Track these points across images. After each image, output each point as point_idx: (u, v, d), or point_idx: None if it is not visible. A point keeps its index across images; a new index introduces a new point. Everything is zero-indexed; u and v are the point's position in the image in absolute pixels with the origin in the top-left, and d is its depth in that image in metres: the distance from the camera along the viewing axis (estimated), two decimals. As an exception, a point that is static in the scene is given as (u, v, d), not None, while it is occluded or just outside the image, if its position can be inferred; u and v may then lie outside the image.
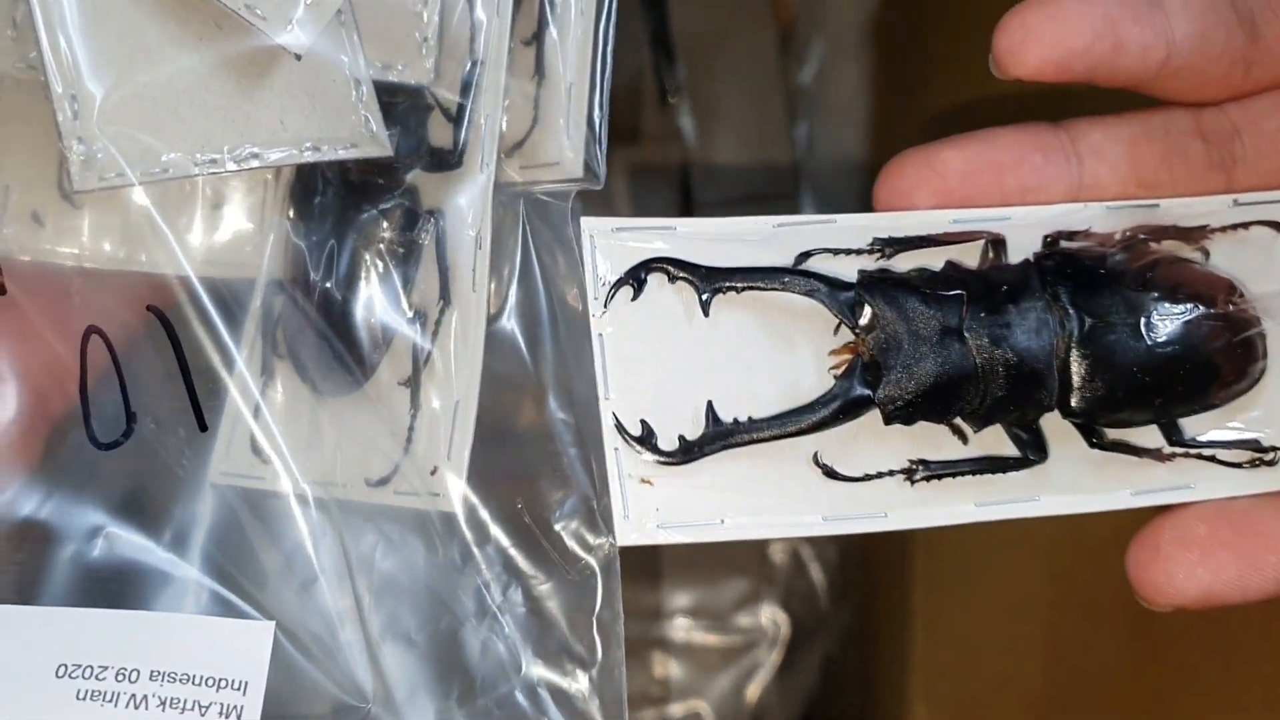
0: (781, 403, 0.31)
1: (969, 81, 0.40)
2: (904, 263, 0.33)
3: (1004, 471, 0.32)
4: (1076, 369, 0.31)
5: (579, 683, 0.34)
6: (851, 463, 0.32)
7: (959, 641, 0.49)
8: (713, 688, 0.57)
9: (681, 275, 0.31)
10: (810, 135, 0.58)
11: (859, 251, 0.33)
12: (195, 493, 0.35)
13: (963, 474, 0.32)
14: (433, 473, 0.34)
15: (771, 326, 0.32)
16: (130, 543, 0.34)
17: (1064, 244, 0.33)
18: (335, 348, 0.35)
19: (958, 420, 0.32)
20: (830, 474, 0.31)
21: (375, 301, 0.35)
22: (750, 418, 0.31)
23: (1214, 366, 0.32)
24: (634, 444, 0.31)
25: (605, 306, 0.31)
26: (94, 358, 0.34)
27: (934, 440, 0.32)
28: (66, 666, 0.32)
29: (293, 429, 0.34)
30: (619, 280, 0.31)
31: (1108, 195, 0.34)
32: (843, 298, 0.31)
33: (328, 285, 0.35)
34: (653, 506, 0.30)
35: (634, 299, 0.31)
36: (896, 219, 0.33)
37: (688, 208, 0.58)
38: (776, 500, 0.31)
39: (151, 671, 0.32)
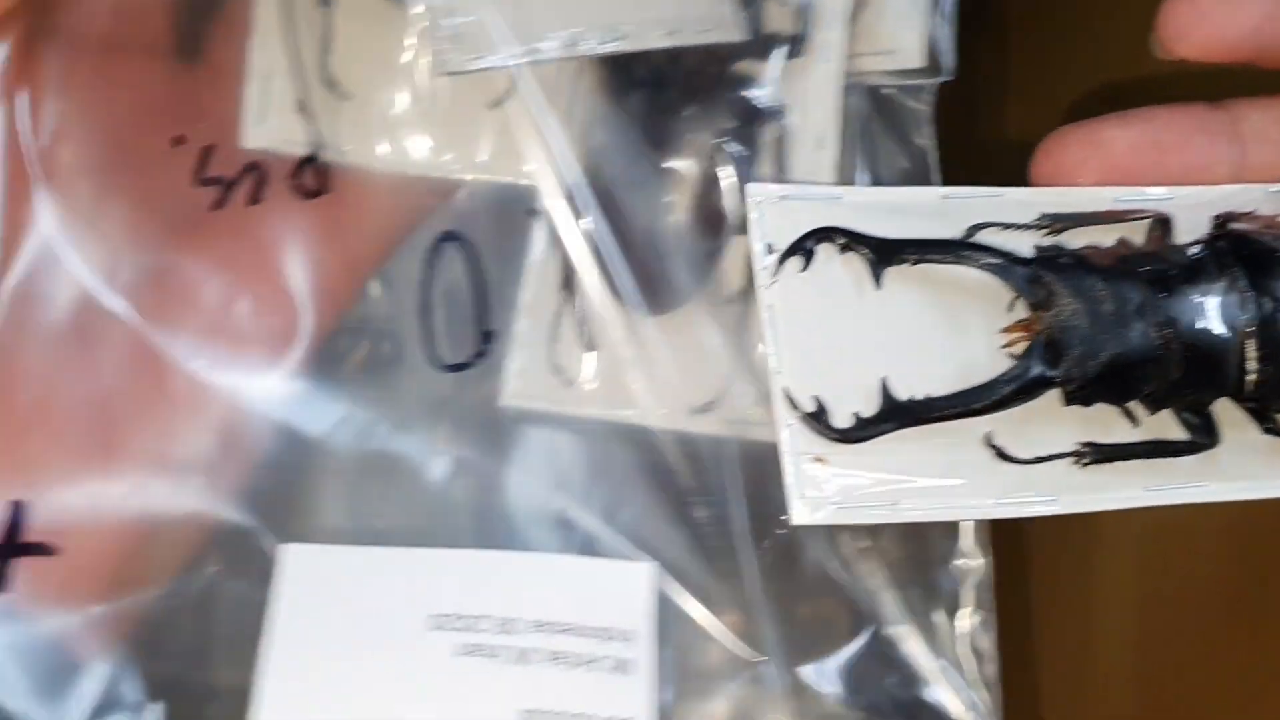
0: (954, 381, 0.30)
1: (1109, 60, 0.39)
2: (1073, 239, 0.32)
3: (1174, 456, 0.31)
4: (1254, 353, 0.30)
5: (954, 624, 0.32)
6: (1022, 445, 0.31)
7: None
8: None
9: (854, 246, 0.30)
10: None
11: (1028, 226, 0.31)
12: (541, 421, 0.32)
13: (1133, 458, 0.31)
14: (767, 399, 0.30)
15: (941, 302, 0.31)
16: (480, 475, 0.31)
17: (1232, 226, 0.32)
18: (648, 261, 0.32)
19: (1130, 403, 0.31)
20: (1003, 456, 0.30)
21: (701, 206, 0.32)
22: (928, 395, 0.30)
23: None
24: (808, 421, 0.29)
25: (775, 277, 0.30)
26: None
27: (1102, 423, 0.31)
28: (440, 617, 0.29)
29: (602, 350, 0.31)
30: (789, 249, 0.30)
31: (1269, 178, 0.33)
32: (1020, 273, 0.30)
33: (643, 188, 0.32)
34: (828, 486, 0.29)
35: (803, 270, 0.30)
36: (1062, 195, 0.32)
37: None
38: (950, 482, 0.30)
39: (533, 621, 0.29)
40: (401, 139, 0.33)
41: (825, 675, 0.32)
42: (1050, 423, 0.31)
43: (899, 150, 0.34)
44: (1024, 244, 0.31)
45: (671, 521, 0.32)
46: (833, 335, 0.30)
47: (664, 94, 0.32)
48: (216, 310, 0.32)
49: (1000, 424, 0.31)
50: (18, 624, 0.30)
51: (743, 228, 0.32)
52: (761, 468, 0.31)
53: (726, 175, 0.32)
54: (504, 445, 0.32)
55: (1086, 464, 0.31)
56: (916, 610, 0.33)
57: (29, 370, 0.31)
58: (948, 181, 0.34)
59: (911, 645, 0.33)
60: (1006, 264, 0.30)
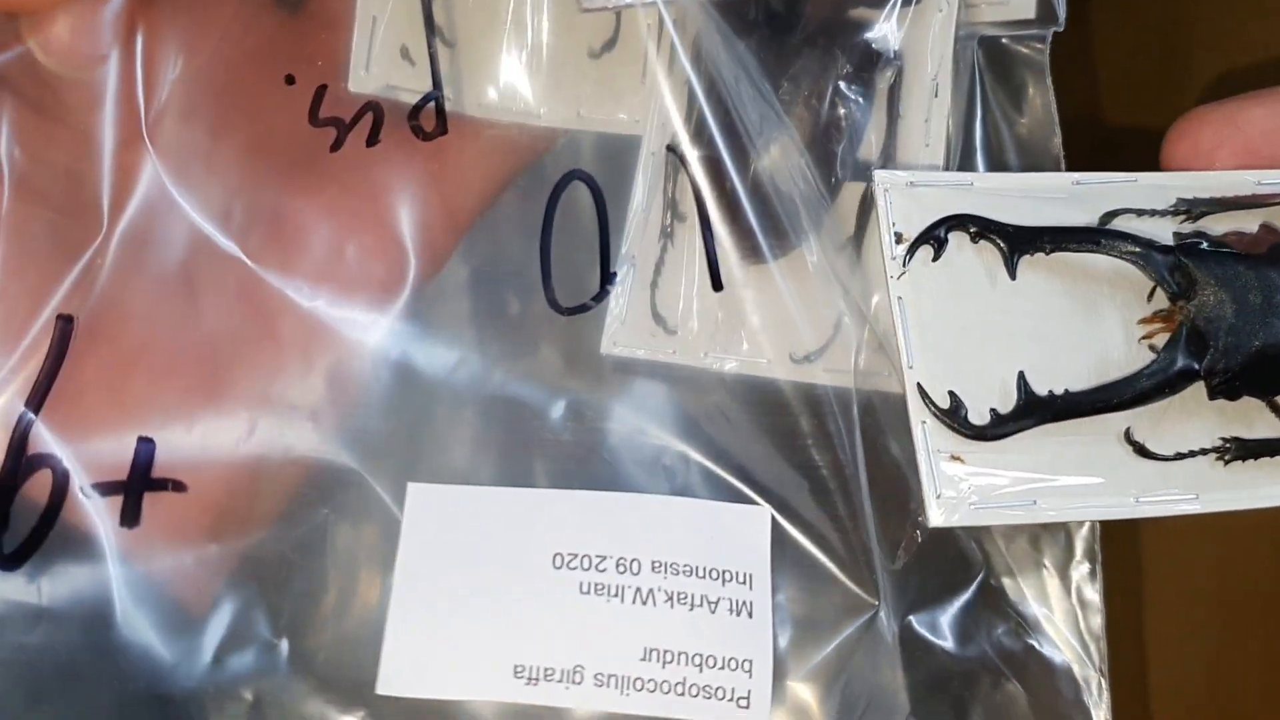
0: (1091, 375, 0.29)
1: (1227, 45, 0.37)
2: (1214, 225, 0.30)
3: (1327, 451, 0.30)
4: None
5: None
6: (1160, 440, 0.29)
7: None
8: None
9: (987, 234, 0.29)
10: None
11: (1164, 213, 0.30)
12: (648, 368, 0.32)
13: (1279, 453, 0.30)
14: (877, 349, 0.31)
15: (1076, 292, 0.30)
16: (593, 419, 0.32)
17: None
18: (758, 208, 0.31)
19: (1278, 397, 0.29)
20: (1142, 452, 0.29)
21: (813, 151, 0.31)
22: (1067, 390, 0.29)
23: None
24: (943, 416, 0.28)
25: (904, 267, 0.29)
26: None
27: (1245, 417, 0.30)
28: (564, 556, 0.30)
29: (702, 295, 0.31)
30: (919, 238, 0.29)
31: None
32: (1160, 261, 0.29)
33: (759, 132, 0.31)
34: (965, 485, 0.28)
35: (934, 259, 0.29)
36: (1198, 179, 0.31)
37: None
38: (1089, 480, 0.29)
39: (653, 562, 0.29)
40: (506, 87, 0.33)
41: (935, 625, 0.32)
42: (1189, 417, 0.30)
43: (1011, 102, 0.33)
44: (1161, 231, 0.30)
45: (784, 467, 0.32)
46: (965, 328, 0.29)
47: (783, 37, 0.32)
48: (327, 253, 0.32)
49: (1139, 419, 0.29)
50: (148, 561, 0.30)
51: (857, 173, 0.32)
52: (873, 416, 0.31)
53: (843, 118, 0.32)
54: (615, 390, 0.32)
55: (1229, 460, 0.29)
56: (1024, 562, 0.33)
57: (141, 312, 0.31)
58: (1088, 153, 0.33)
59: (1020, 596, 0.33)
60: (1146, 252, 0.29)
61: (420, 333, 0.32)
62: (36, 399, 0.30)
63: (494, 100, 0.33)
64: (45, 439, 0.30)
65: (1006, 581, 0.32)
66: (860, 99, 0.31)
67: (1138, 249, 0.29)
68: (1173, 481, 0.29)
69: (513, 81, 0.33)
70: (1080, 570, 0.33)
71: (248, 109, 0.32)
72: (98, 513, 0.30)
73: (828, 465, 0.31)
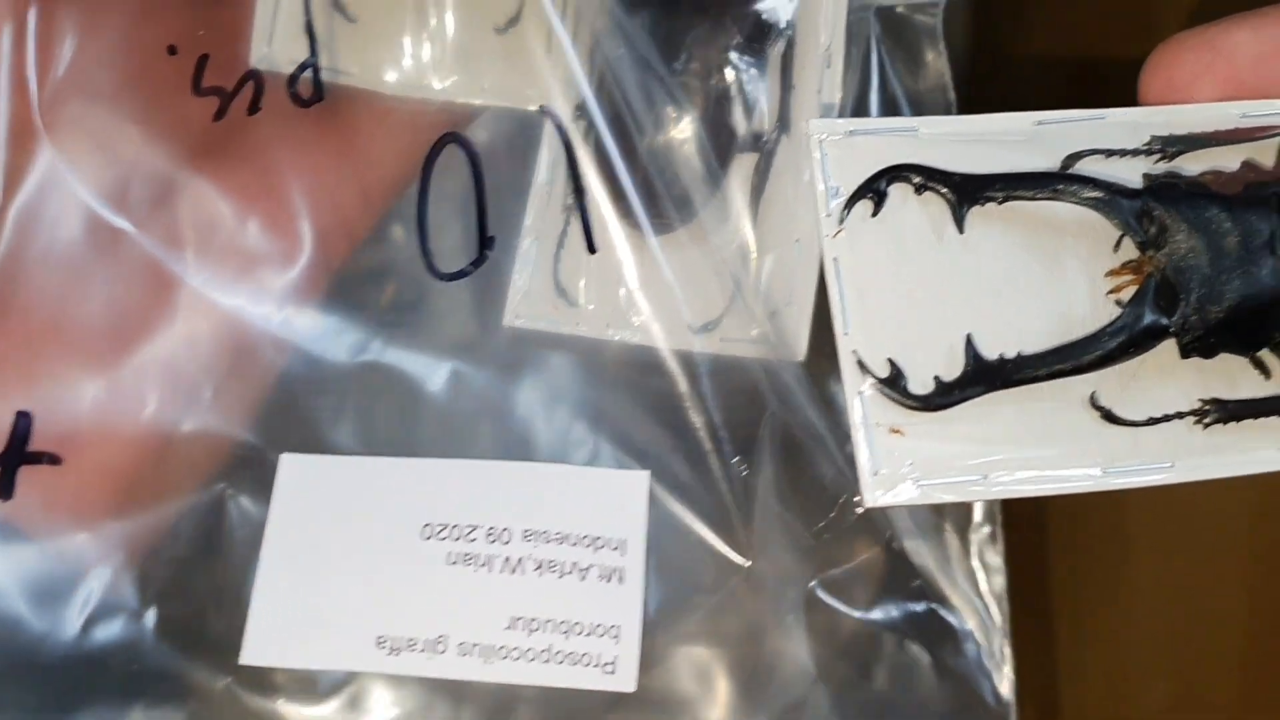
0: (1052, 335, 0.26)
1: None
2: (1190, 165, 0.27)
3: (1319, 410, 0.27)
4: None
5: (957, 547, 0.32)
6: (1132, 404, 0.27)
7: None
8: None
9: (931, 185, 0.27)
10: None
11: (1136, 152, 0.27)
12: (544, 339, 0.31)
13: (1265, 415, 0.27)
14: (771, 317, 0.31)
15: (1035, 244, 0.27)
16: (481, 388, 0.31)
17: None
18: (654, 177, 0.31)
19: (1267, 349, 0.27)
20: (1110, 418, 0.27)
21: (706, 124, 0.31)
22: (1020, 353, 0.26)
23: None
24: (882, 387, 0.26)
25: (840, 224, 0.27)
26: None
27: (1227, 376, 0.27)
28: (433, 526, 0.29)
29: (603, 267, 0.31)
30: (856, 192, 0.26)
31: None
32: (1127, 207, 0.26)
33: (651, 106, 0.31)
34: (906, 460, 0.26)
35: (874, 215, 0.27)
36: (1175, 113, 0.28)
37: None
38: (1048, 450, 0.26)
39: (525, 531, 0.29)
40: (409, 63, 0.32)
41: (840, 589, 0.32)
42: (1165, 378, 0.27)
43: (910, 70, 0.32)
44: (1132, 173, 0.27)
45: (668, 434, 0.32)
46: (910, 289, 0.27)
47: (674, 9, 0.31)
48: (224, 228, 0.32)
49: (1106, 381, 0.27)
50: (20, 533, 0.31)
51: (750, 144, 0.31)
52: (775, 382, 0.31)
53: (735, 90, 0.31)
54: (505, 360, 0.32)
55: (1209, 424, 0.27)
56: (926, 525, 0.33)
57: (38, 289, 0.31)
58: (971, 102, 0.32)
59: (922, 559, 0.32)
60: (1111, 197, 0.26)
61: (316, 307, 0.32)
62: None
63: (397, 77, 0.33)
64: None
65: (909, 544, 0.32)
66: (752, 69, 0.31)
67: (1101, 194, 0.26)
68: (1144, 450, 0.27)
69: (417, 57, 0.32)
70: (981, 533, 0.32)
71: (139, 84, 0.32)
72: None
73: (706, 430, 0.31)
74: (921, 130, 0.27)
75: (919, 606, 0.32)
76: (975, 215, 0.27)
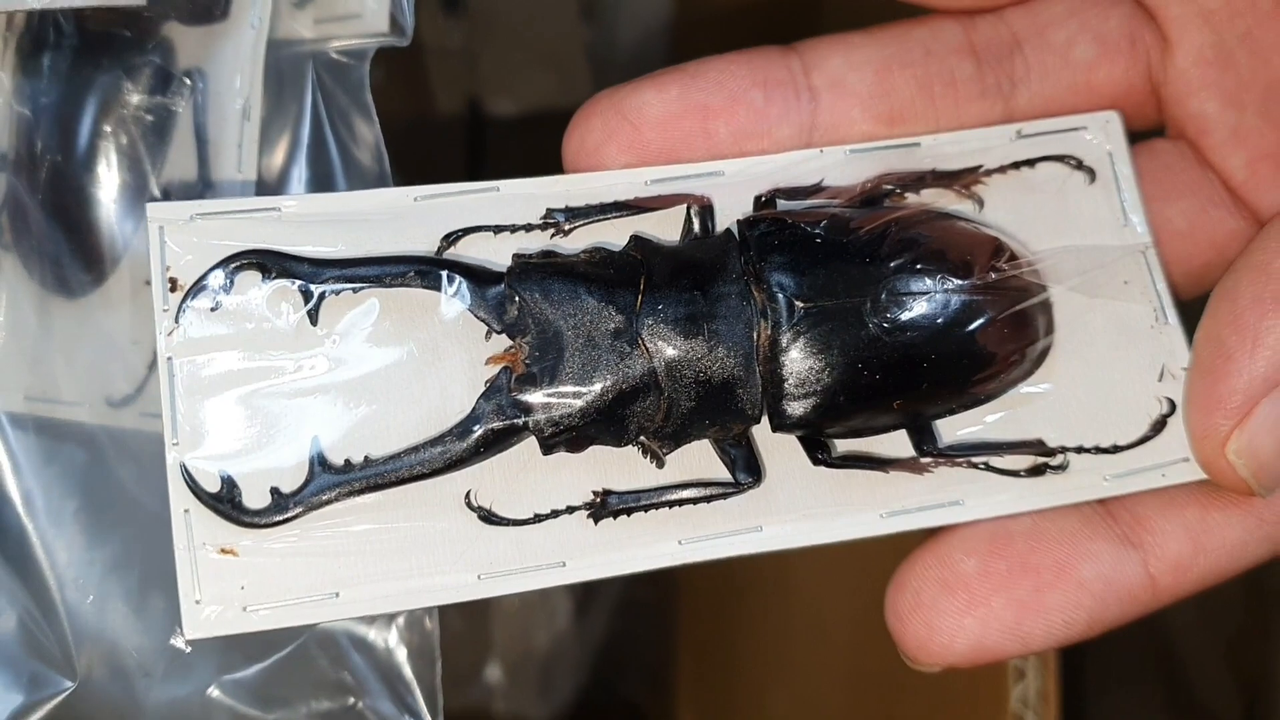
0: (421, 431, 0.24)
1: None
2: (582, 239, 0.26)
3: (711, 500, 0.25)
4: (784, 369, 0.24)
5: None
6: (519, 500, 0.25)
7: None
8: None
9: (278, 272, 0.24)
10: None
11: (529, 227, 0.25)
12: None
13: (660, 506, 0.25)
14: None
15: (412, 332, 0.25)
16: None
17: (781, 204, 0.26)
18: (67, 237, 0.29)
19: (644, 439, 0.25)
20: (488, 518, 0.24)
21: (117, 182, 0.29)
22: (366, 456, 0.24)
23: (973, 353, 0.25)
24: (210, 504, 0.23)
25: (177, 321, 0.24)
26: None
27: (625, 465, 0.25)
28: None
29: (13, 335, 0.28)
30: (194, 285, 0.24)
31: (851, 136, 0.27)
32: (491, 293, 0.24)
33: (59, 160, 0.29)
34: (236, 584, 0.23)
35: (214, 309, 0.24)
36: (574, 183, 0.26)
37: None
38: (417, 559, 0.24)
39: None
40: None
41: (245, 692, 0.30)
42: (556, 469, 0.25)
43: (344, 122, 0.30)
44: (519, 250, 0.25)
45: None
46: (255, 390, 0.24)
47: (74, 58, 0.29)
48: None
49: (488, 477, 0.25)
50: None
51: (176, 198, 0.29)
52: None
53: (140, 143, 0.29)
54: None
55: (602, 517, 0.25)
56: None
57: None
58: (418, 165, 0.30)
59: (343, 651, 0.31)
60: (474, 282, 0.24)
61: None
62: None
63: None
64: None
65: (328, 636, 0.30)
66: (156, 125, 0.29)
67: (459, 278, 0.24)
68: (531, 550, 0.24)
69: None
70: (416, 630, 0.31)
71: None
72: None
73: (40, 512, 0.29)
74: (284, 210, 0.25)
75: (334, 702, 0.31)
76: (340, 303, 0.24)
